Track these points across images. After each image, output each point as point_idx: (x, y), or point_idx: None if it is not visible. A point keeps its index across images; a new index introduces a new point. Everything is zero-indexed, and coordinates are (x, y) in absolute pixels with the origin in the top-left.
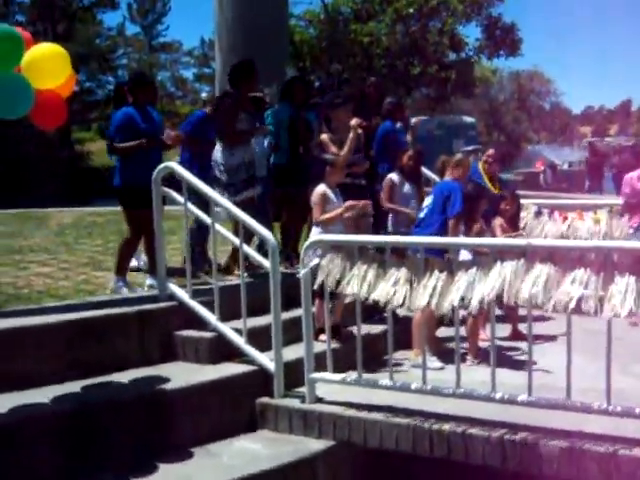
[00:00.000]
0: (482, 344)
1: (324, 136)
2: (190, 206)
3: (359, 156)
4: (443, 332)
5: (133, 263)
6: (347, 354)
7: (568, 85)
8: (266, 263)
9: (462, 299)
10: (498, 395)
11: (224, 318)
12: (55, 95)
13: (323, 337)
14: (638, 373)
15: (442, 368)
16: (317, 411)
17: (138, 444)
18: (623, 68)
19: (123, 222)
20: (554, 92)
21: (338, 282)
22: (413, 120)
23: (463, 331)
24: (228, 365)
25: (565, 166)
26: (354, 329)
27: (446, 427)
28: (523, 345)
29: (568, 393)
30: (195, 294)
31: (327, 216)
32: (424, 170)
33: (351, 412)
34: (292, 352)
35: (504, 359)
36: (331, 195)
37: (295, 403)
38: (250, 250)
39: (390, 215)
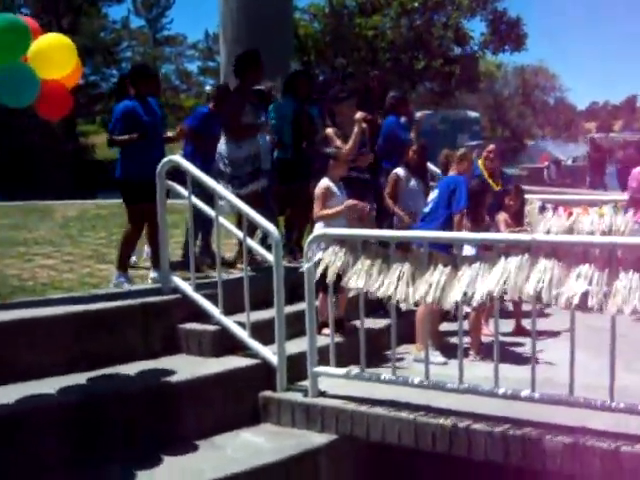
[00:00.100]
0: (485, 339)
1: (329, 130)
2: (194, 199)
3: (364, 150)
4: (445, 327)
5: (132, 259)
6: (350, 348)
7: (573, 81)
8: (270, 257)
9: (465, 294)
10: (501, 391)
11: (227, 311)
12: (60, 85)
13: (326, 331)
14: None
15: (445, 363)
16: (320, 405)
17: (144, 436)
18: (628, 64)
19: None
20: (559, 87)
21: (341, 276)
22: (418, 114)
23: (466, 326)
24: (231, 358)
25: (569, 162)
26: (357, 323)
27: (449, 422)
28: (526, 341)
29: (571, 389)
30: (198, 287)
31: (326, 212)
32: (428, 165)
33: (353, 406)
34: (295, 346)
35: (507, 354)
36: (334, 189)
37: (298, 397)
38: (254, 243)
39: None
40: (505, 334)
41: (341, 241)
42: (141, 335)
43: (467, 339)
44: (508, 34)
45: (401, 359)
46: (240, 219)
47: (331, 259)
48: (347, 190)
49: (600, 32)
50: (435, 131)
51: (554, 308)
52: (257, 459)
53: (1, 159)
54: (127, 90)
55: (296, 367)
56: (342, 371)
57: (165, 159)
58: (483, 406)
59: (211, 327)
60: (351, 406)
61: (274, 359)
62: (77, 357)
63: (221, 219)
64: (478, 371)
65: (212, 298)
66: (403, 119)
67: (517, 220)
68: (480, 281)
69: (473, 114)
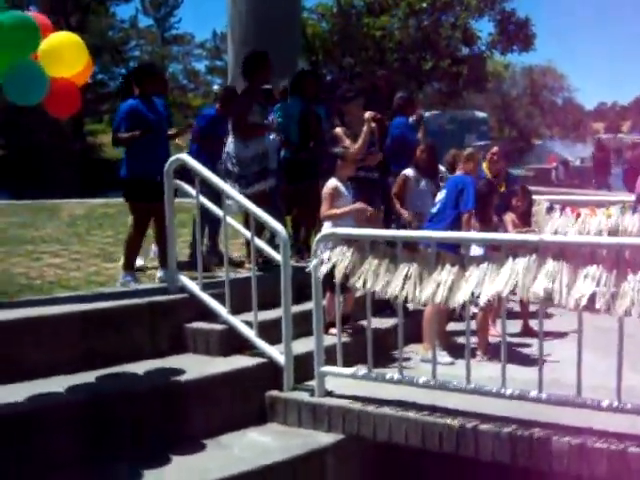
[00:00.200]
0: (492, 340)
1: (338, 130)
2: (202, 199)
3: (373, 149)
4: (452, 327)
5: (139, 262)
6: (357, 348)
7: (581, 81)
8: (277, 256)
9: (473, 294)
10: (508, 391)
11: (235, 311)
12: (69, 83)
13: (333, 331)
14: None
15: (452, 363)
16: (326, 404)
17: (151, 435)
18: (637, 65)
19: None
20: (567, 88)
21: (348, 276)
22: (426, 114)
23: (473, 326)
24: (238, 358)
25: (577, 162)
26: (364, 323)
27: (456, 422)
28: (533, 341)
29: (579, 390)
30: (206, 286)
31: (334, 212)
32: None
33: (360, 406)
34: (302, 345)
35: (514, 355)
36: (342, 189)
37: (304, 396)
38: (261, 243)
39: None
40: (512, 335)
41: (349, 241)
42: (148, 334)
43: (474, 339)
44: (516, 34)
45: (408, 359)
46: (247, 218)
47: (339, 259)
48: (355, 190)
49: (608, 33)
50: (443, 131)
51: (559, 308)
52: (264, 459)
53: (9, 158)
54: (132, 89)
55: (303, 367)
56: (349, 371)
57: (173, 158)
58: (490, 406)
59: (218, 326)
60: (358, 406)
61: (281, 359)
62: (84, 356)
63: (229, 218)
64: (485, 371)
65: (219, 297)
66: (411, 119)
67: (524, 221)
68: (488, 281)
69: (481, 114)
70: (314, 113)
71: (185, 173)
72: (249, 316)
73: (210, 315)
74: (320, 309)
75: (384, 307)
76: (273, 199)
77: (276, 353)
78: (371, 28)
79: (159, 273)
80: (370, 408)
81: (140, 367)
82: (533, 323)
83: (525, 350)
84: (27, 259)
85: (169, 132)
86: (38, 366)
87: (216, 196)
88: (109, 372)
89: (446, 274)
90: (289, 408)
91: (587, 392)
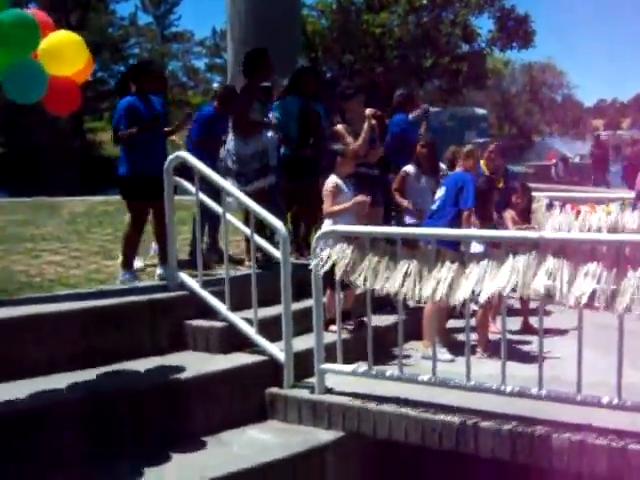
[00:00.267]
0: (492, 337)
1: (340, 127)
2: (202, 196)
3: (374, 146)
4: (452, 324)
5: (138, 264)
6: (357, 345)
7: (581, 78)
8: (277, 253)
9: (473, 292)
10: (508, 388)
11: (234, 308)
12: (69, 81)
13: (333, 328)
14: None
15: (452, 360)
16: (326, 402)
17: (152, 432)
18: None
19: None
20: (567, 85)
21: (348, 273)
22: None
23: (473, 323)
24: (238, 355)
25: (577, 159)
26: (365, 319)
27: (455, 419)
28: (533, 338)
29: (579, 387)
30: (206, 284)
31: (337, 208)
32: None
33: (360, 403)
34: (302, 342)
35: (514, 352)
36: (342, 186)
37: (304, 393)
38: (261, 240)
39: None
40: (512, 332)
41: (349, 238)
42: (148, 331)
43: (474, 336)
44: (516, 31)
45: (408, 356)
46: (247, 216)
47: (339, 256)
48: (356, 186)
49: (608, 30)
50: (443, 128)
51: (559, 306)
52: (264, 456)
53: (9, 156)
54: (129, 87)
55: (303, 364)
56: (349, 368)
57: (172, 155)
58: (490, 404)
59: (218, 324)
60: (358, 403)
61: (281, 356)
62: (84, 353)
63: (228, 216)
64: (485, 368)
65: (219, 295)
66: (411, 116)
67: (524, 218)
68: (488, 279)
69: (481, 111)
70: (313, 110)
71: (185, 171)
72: (249, 313)
73: (210, 312)
74: (320, 306)
75: (384, 304)
76: (273, 196)
77: (276, 350)
78: (371, 25)
79: (159, 270)
80: (370, 405)
81: (140, 365)
82: (533, 320)
83: (525, 347)
84: (27, 257)
85: (166, 129)
86: (38, 364)
87: (216, 194)
88: (109, 370)
89: (446, 271)
90: (289, 405)
91: (587, 389)
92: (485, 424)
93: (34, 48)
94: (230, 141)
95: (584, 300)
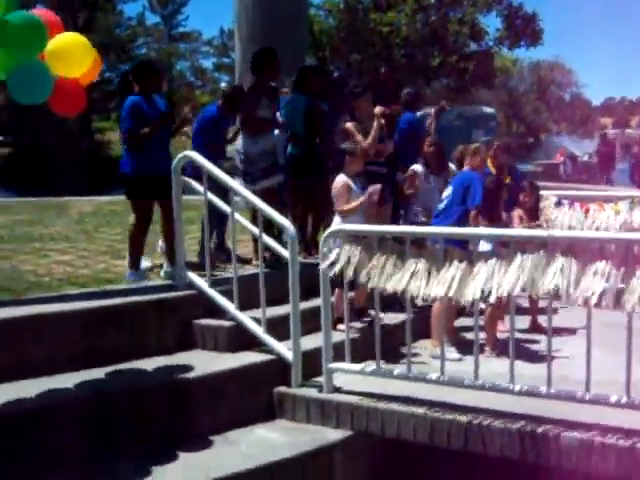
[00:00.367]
0: (500, 335)
1: (349, 125)
2: (210, 195)
3: (383, 144)
4: (461, 322)
5: (146, 264)
6: (365, 344)
7: (590, 77)
8: (285, 253)
9: (482, 291)
10: (517, 387)
11: (243, 307)
12: (74, 82)
13: (342, 327)
14: None
15: (460, 359)
16: (335, 401)
17: (159, 431)
18: None
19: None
20: (575, 83)
21: (356, 272)
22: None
23: (481, 322)
24: (247, 354)
25: (585, 157)
26: (373, 313)
27: (464, 418)
28: (542, 337)
29: (587, 386)
30: (214, 283)
31: (349, 206)
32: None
33: (369, 402)
34: (310, 342)
35: (522, 351)
36: (352, 185)
37: (313, 393)
38: (269, 239)
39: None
40: (521, 331)
41: (357, 237)
42: (156, 331)
43: (482, 335)
44: (524, 29)
45: (416, 355)
46: (255, 215)
47: (347, 255)
48: (365, 185)
49: (617, 29)
50: (450, 127)
51: (566, 304)
52: (272, 455)
53: (16, 158)
54: (130, 87)
55: (311, 363)
56: (357, 367)
57: (180, 154)
58: (498, 402)
59: (226, 323)
60: (366, 402)
61: (289, 355)
62: (92, 352)
63: (236, 215)
64: (493, 367)
65: (227, 294)
66: (419, 114)
67: (532, 216)
68: (497, 278)
69: (489, 110)
70: (319, 108)
71: (192, 170)
72: (257, 312)
73: (218, 311)
74: (328, 305)
75: (393, 303)
76: (281, 195)
77: (284, 349)
78: (378, 24)
79: (166, 268)
80: (379, 404)
81: (148, 364)
82: (542, 319)
83: (533, 346)
84: (35, 256)
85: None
86: (42, 364)
87: (223, 193)
88: (117, 369)
89: (454, 270)
90: (297, 404)
91: (596, 388)
92: (494, 423)
93: (41, 50)
94: (239, 140)
95: (594, 300)
